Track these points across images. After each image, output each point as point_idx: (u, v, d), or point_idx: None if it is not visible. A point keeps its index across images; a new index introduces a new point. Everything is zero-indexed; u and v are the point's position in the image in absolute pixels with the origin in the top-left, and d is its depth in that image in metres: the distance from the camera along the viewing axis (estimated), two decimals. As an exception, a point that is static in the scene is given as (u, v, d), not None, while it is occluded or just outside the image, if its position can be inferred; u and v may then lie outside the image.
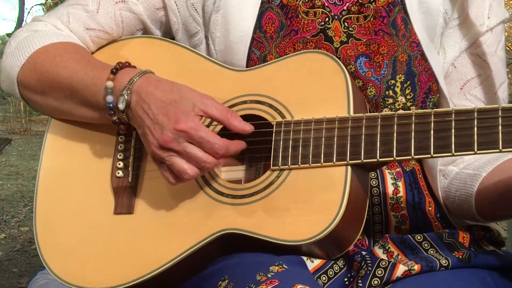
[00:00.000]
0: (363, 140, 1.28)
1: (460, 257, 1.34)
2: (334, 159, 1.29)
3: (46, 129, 1.58)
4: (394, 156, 1.26)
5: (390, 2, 1.46)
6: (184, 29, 1.57)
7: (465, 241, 1.41)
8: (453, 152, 1.21)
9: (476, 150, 1.20)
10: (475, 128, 1.20)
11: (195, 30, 1.57)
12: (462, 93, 1.53)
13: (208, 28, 1.54)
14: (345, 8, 1.47)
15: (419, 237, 1.39)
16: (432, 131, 1.23)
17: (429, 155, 1.24)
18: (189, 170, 1.31)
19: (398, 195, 1.46)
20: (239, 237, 1.32)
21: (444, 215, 1.49)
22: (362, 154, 1.28)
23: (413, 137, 1.25)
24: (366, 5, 1.46)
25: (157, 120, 1.32)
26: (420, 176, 1.50)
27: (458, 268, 1.32)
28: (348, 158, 1.29)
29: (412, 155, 1.24)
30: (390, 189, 1.46)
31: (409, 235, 1.40)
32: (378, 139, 1.27)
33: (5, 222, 6.19)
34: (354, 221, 1.33)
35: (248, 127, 1.35)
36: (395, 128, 1.27)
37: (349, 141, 1.29)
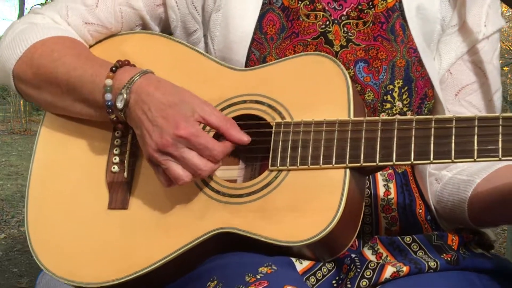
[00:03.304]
0: (363, 144, 1.28)
1: (449, 259, 1.34)
2: (333, 161, 1.29)
3: (41, 122, 1.56)
4: (394, 161, 1.26)
5: (389, 8, 1.47)
6: (183, 27, 1.57)
7: (454, 243, 1.41)
8: (452, 158, 1.22)
9: (476, 157, 1.20)
10: (476, 136, 1.21)
11: (193, 28, 1.56)
12: (457, 99, 1.54)
13: (207, 27, 1.53)
14: (344, 13, 1.47)
15: (408, 239, 1.40)
16: (432, 137, 1.24)
17: (429, 161, 1.24)
18: (184, 176, 1.31)
19: (389, 197, 1.47)
20: (234, 236, 1.31)
21: (434, 218, 1.50)
22: (362, 157, 1.28)
23: (413, 142, 1.25)
24: (365, 11, 1.47)
25: (156, 122, 1.31)
26: (412, 178, 1.51)
27: (446, 271, 1.33)
28: (347, 161, 1.29)
29: (412, 160, 1.25)
30: (381, 190, 1.47)
31: (398, 237, 1.41)
32: (378, 143, 1.28)
33: (5, 222, 6.16)
34: (350, 225, 1.33)
35: (245, 138, 1.34)
36: (395, 133, 1.27)
37: (348, 144, 1.29)
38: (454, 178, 1.49)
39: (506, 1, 1.53)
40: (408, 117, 1.28)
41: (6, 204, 6.88)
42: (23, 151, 10.62)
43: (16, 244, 5.43)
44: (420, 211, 1.49)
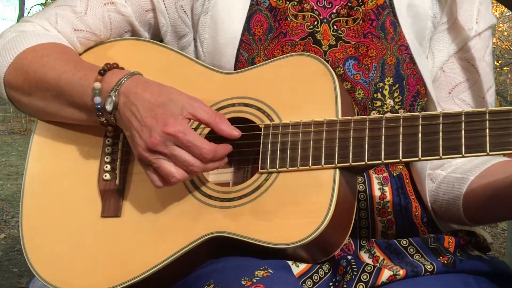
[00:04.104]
0: (351, 143, 1.28)
1: (445, 262, 1.34)
2: (323, 162, 1.29)
3: (33, 131, 1.57)
4: (382, 159, 1.26)
5: (379, 5, 1.47)
6: (173, 31, 1.57)
7: (451, 246, 1.41)
8: (440, 155, 1.21)
9: (463, 153, 1.20)
10: (463, 132, 1.20)
11: (183, 32, 1.57)
12: (450, 97, 1.53)
13: (196, 30, 1.54)
14: (334, 11, 1.47)
15: (404, 242, 1.39)
16: (420, 134, 1.24)
17: (417, 158, 1.24)
18: (176, 173, 1.30)
19: (385, 200, 1.47)
20: (227, 240, 1.31)
21: (430, 220, 1.50)
22: (351, 157, 1.28)
23: (401, 140, 1.25)
24: (355, 8, 1.46)
25: (145, 122, 1.31)
26: (407, 181, 1.51)
27: (443, 273, 1.32)
28: (336, 161, 1.29)
29: (400, 158, 1.24)
30: (377, 194, 1.47)
31: (394, 240, 1.40)
32: (366, 142, 1.27)
33: (5, 222, 6.19)
34: (342, 224, 1.33)
35: (236, 132, 1.34)
36: (383, 131, 1.27)
37: (337, 144, 1.29)
38: (448, 177, 1.48)
39: (503, 2, 1.53)
40: (396, 115, 1.28)
41: (6, 204, 6.91)
42: (23, 151, 10.65)
43: (16, 244, 5.45)
44: (417, 213, 1.49)
